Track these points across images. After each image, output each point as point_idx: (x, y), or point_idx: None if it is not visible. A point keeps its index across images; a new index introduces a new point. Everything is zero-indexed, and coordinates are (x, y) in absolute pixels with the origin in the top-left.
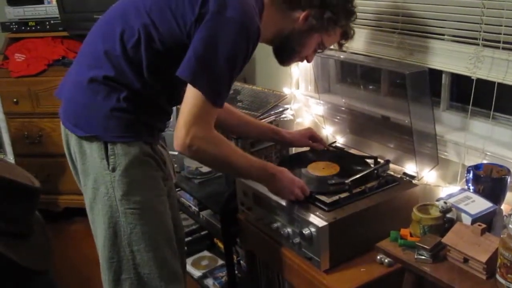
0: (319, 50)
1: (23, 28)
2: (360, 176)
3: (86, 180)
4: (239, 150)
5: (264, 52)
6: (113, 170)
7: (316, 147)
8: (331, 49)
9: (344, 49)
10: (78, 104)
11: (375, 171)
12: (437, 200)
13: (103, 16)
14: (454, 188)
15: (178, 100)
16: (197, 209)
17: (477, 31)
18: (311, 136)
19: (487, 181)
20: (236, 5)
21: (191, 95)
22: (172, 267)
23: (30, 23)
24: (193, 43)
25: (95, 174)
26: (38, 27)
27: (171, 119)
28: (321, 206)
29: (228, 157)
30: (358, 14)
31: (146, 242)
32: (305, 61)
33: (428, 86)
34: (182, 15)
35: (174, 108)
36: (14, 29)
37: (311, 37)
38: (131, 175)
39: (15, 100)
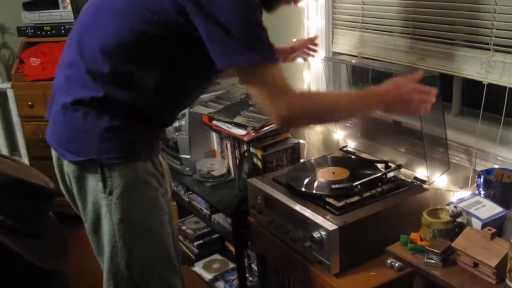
0: None
1: (38, 32)
2: (367, 180)
3: (85, 203)
4: (332, 91)
5: None
6: (110, 193)
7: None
8: (343, 54)
9: (355, 53)
10: (67, 127)
11: (384, 176)
12: (448, 205)
13: (76, 26)
14: (465, 193)
15: (184, 102)
16: (208, 212)
17: (488, 36)
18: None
19: (498, 185)
20: None
21: (250, 77)
22: (172, 284)
23: (45, 28)
24: (205, 35)
25: (93, 197)
26: (53, 31)
27: (176, 124)
28: (332, 209)
29: (328, 101)
30: (369, 19)
31: (145, 265)
32: (313, 65)
33: (439, 91)
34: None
35: None
36: (30, 33)
37: None
38: (129, 198)
39: (30, 103)
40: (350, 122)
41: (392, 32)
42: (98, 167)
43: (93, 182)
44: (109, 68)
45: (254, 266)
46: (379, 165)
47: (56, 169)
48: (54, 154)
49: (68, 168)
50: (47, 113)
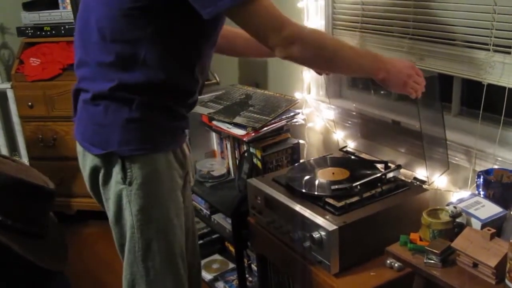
0: None
1: (38, 33)
2: (367, 181)
3: (108, 195)
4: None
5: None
6: (130, 184)
7: None
8: None
9: None
10: (91, 122)
11: (384, 176)
12: (447, 205)
13: (76, 26)
14: (465, 193)
15: (201, 65)
16: (208, 213)
17: (487, 36)
18: None
19: (497, 186)
20: None
21: (244, 20)
22: (183, 282)
23: (45, 28)
24: None
25: (115, 188)
26: (53, 32)
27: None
28: (331, 210)
29: (332, 40)
30: (369, 19)
31: (161, 257)
32: None
33: (438, 91)
34: None
35: None
36: (30, 34)
37: None
38: (148, 189)
39: (30, 104)
40: (349, 122)
41: (392, 32)
42: (119, 159)
43: (116, 174)
44: (114, 56)
45: (254, 267)
46: (379, 166)
47: (80, 164)
48: (79, 150)
49: (93, 162)
50: (73, 116)
